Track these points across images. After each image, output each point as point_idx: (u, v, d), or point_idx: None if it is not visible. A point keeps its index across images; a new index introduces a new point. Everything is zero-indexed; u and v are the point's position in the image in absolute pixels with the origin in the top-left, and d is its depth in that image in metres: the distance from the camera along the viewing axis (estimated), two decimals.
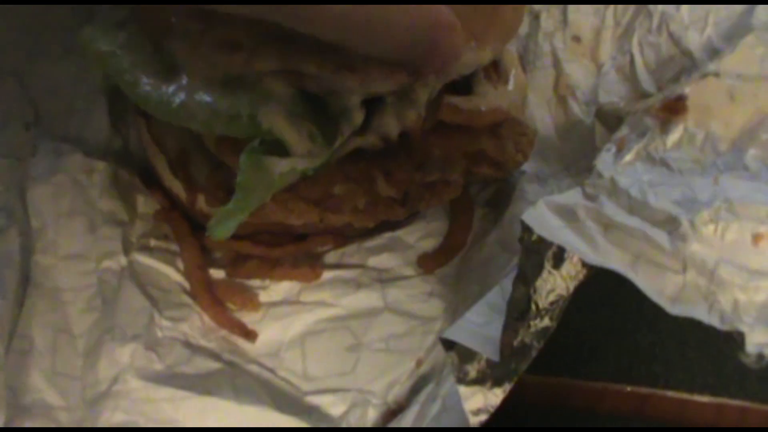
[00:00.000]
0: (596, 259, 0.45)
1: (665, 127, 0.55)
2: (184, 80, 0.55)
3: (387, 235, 0.66)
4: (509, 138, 0.60)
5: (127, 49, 0.58)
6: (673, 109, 0.55)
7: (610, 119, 0.64)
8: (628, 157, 0.56)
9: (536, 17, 0.72)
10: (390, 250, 0.65)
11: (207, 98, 0.54)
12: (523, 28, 0.72)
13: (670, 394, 0.64)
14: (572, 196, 0.51)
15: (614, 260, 0.46)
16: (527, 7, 0.73)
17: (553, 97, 0.69)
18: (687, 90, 0.56)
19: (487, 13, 0.54)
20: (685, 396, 0.64)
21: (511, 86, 0.64)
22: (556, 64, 0.69)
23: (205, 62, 0.53)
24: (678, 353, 0.66)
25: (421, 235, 0.66)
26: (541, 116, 0.68)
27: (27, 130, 0.67)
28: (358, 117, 0.56)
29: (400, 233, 0.66)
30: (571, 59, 0.69)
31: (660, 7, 0.65)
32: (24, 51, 0.68)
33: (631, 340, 0.66)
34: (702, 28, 0.63)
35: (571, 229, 0.48)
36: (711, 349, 0.65)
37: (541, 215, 0.48)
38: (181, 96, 0.55)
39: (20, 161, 0.65)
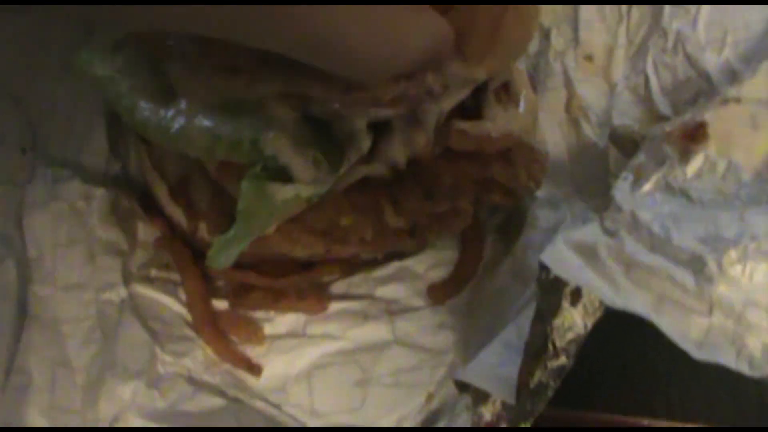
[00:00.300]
0: (618, 302, 0.44)
1: (685, 156, 0.54)
2: (183, 105, 0.53)
3: (395, 265, 0.64)
4: (521, 164, 0.58)
5: (125, 72, 0.56)
6: (693, 136, 0.53)
7: (625, 142, 0.62)
8: (647, 187, 0.54)
9: (546, 35, 0.70)
10: (398, 280, 0.63)
11: (207, 123, 0.52)
12: (533, 46, 0.70)
13: (690, 426, 0.62)
14: (591, 231, 0.49)
15: (637, 302, 0.44)
16: (538, 25, 0.70)
17: (564, 118, 0.66)
18: (707, 116, 0.54)
19: (488, 30, 0.51)
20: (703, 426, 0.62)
21: (521, 108, 0.62)
22: (568, 84, 0.67)
23: (204, 86, 0.51)
24: (695, 382, 0.64)
25: (431, 265, 0.64)
26: (553, 138, 0.66)
27: (24, 154, 0.65)
28: (365, 142, 0.54)
29: (408, 262, 0.64)
30: (583, 79, 0.67)
31: (675, 25, 0.63)
32: (21, 72, 0.66)
33: (648, 369, 0.64)
34: (719, 48, 0.61)
35: (592, 268, 0.46)
36: (730, 378, 0.62)
37: (560, 254, 0.47)
38: (180, 121, 0.52)
39: (17, 187, 0.63)
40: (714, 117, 0.54)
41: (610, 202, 0.53)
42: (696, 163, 0.53)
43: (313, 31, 0.37)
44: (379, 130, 0.56)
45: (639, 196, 0.53)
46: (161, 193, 0.63)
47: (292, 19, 0.36)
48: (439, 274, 0.65)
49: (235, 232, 0.53)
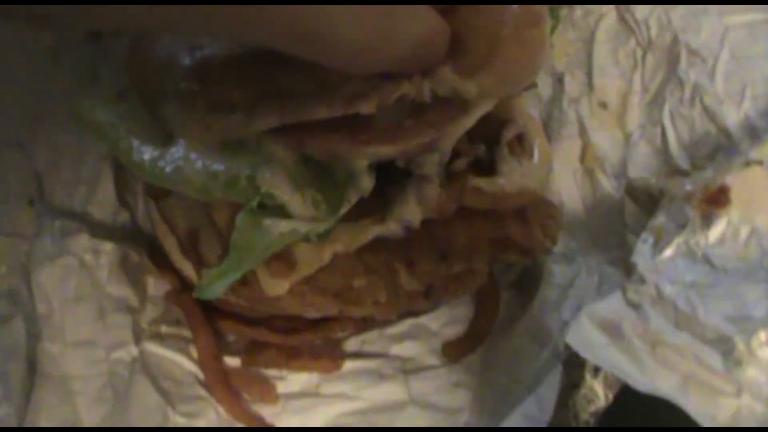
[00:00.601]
0: (644, 386, 0.43)
1: (707, 220, 0.53)
2: (180, 145, 0.52)
3: (409, 322, 0.64)
4: (536, 221, 0.58)
5: (126, 119, 0.55)
6: (716, 200, 0.53)
7: (641, 196, 0.62)
8: (668, 252, 0.53)
9: (560, 80, 0.69)
10: (413, 337, 0.63)
11: (203, 162, 0.51)
12: (547, 92, 0.69)
13: None
14: (614, 305, 0.49)
15: (663, 383, 0.44)
16: (549, 67, 0.69)
17: (579, 169, 0.66)
18: (729, 180, 0.53)
19: (484, 44, 0.49)
20: None
21: (536, 159, 0.61)
22: (583, 133, 0.66)
23: (200, 126, 0.50)
24: None
25: (445, 321, 0.63)
26: (568, 188, 0.65)
27: (31, 205, 0.63)
28: (367, 182, 0.53)
29: (423, 319, 0.64)
30: (597, 128, 0.67)
31: (692, 76, 0.63)
32: (26, 120, 0.65)
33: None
34: (738, 102, 0.60)
35: (617, 347, 0.46)
36: None
37: (584, 333, 0.46)
38: (177, 160, 0.52)
39: (24, 239, 0.62)
40: (736, 180, 0.53)
41: (631, 269, 0.52)
42: (718, 228, 0.53)
43: (302, 19, 0.36)
44: (393, 189, 0.56)
45: (660, 262, 0.52)
46: (171, 246, 0.62)
47: (280, 9, 0.35)
48: (453, 331, 0.64)
49: (227, 265, 0.52)
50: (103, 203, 0.67)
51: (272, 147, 0.50)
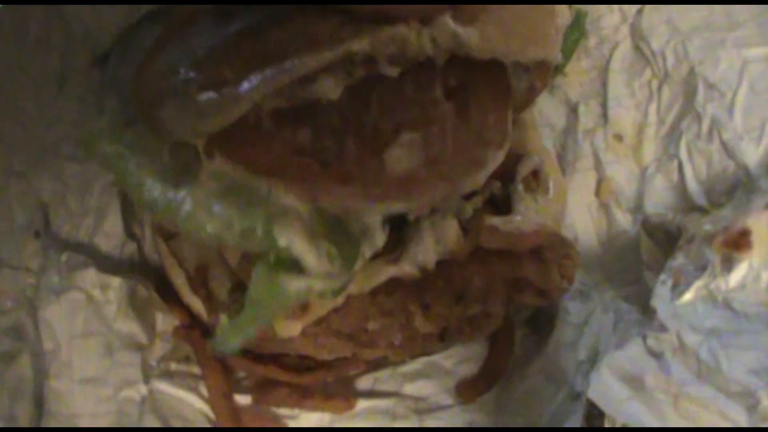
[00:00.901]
0: None
1: (727, 263, 0.52)
2: (195, 186, 0.51)
3: (423, 360, 0.63)
4: (553, 261, 0.57)
5: (134, 148, 0.54)
6: (736, 244, 0.52)
7: (658, 232, 0.62)
8: (688, 296, 0.52)
9: (574, 110, 0.68)
10: (426, 376, 0.62)
11: (218, 208, 0.50)
12: (561, 122, 0.68)
13: None
14: (635, 353, 0.49)
15: None
16: (564, 96, 0.68)
17: (594, 203, 0.65)
18: (749, 222, 0.52)
19: None
20: None
21: (551, 194, 0.60)
22: (598, 166, 0.66)
23: (193, 114, 0.48)
24: None
25: (459, 360, 0.63)
26: (583, 222, 0.65)
27: (37, 238, 0.62)
28: (380, 238, 0.52)
29: (436, 358, 0.63)
30: (613, 161, 0.66)
31: (709, 110, 0.62)
32: (31, 149, 0.64)
33: None
34: (757, 138, 0.60)
35: (639, 400, 0.46)
36: None
37: (606, 387, 0.46)
38: (189, 204, 0.50)
39: (30, 272, 0.62)
40: (757, 224, 0.52)
41: (651, 313, 0.51)
42: (739, 272, 0.52)
43: None
44: (408, 231, 0.55)
45: (680, 306, 0.52)
46: (179, 281, 0.62)
47: None
48: (467, 369, 0.63)
49: (243, 319, 0.51)
50: (110, 234, 0.66)
51: (286, 199, 0.49)
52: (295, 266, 0.49)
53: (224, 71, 0.46)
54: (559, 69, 0.64)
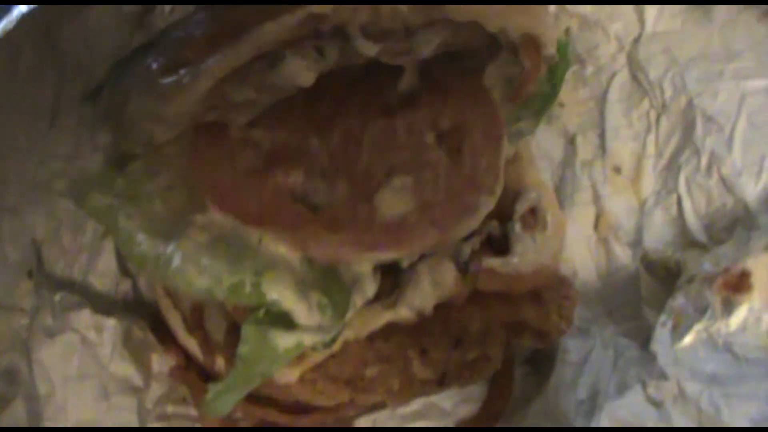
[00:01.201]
0: None
1: (728, 306, 0.52)
2: (184, 239, 0.51)
3: (422, 401, 0.62)
4: (552, 303, 0.56)
5: (124, 198, 0.54)
6: (736, 286, 0.51)
7: (657, 269, 0.61)
8: (688, 339, 0.52)
9: (572, 141, 0.68)
10: (425, 417, 0.62)
11: (207, 262, 0.50)
12: (558, 153, 0.68)
13: None
14: (635, 401, 0.48)
15: None
16: (561, 127, 0.68)
17: (593, 237, 0.65)
18: (749, 264, 0.52)
19: None
20: None
21: (549, 230, 0.59)
22: (596, 199, 0.66)
23: (156, 99, 0.49)
24: None
25: (458, 401, 0.63)
26: (581, 257, 0.64)
27: (30, 277, 0.61)
28: (371, 288, 0.53)
29: (435, 398, 0.62)
30: (611, 194, 0.66)
31: (708, 144, 0.61)
32: (24, 185, 0.63)
33: None
34: (757, 173, 0.59)
35: None
36: None
37: None
38: (179, 259, 0.50)
39: (23, 313, 0.60)
40: (757, 265, 0.52)
41: (652, 359, 0.51)
42: (739, 315, 0.52)
43: None
44: (404, 273, 0.55)
45: (680, 350, 0.52)
46: (175, 322, 0.61)
47: None
48: (467, 410, 0.63)
49: (233, 379, 0.51)
50: (105, 272, 0.65)
51: (276, 248, 0.48)
52: (285, 320, 0.49)
53: (186, 54, 0.47)
54: (554, 98, 0.63)
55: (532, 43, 0.52)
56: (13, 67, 0.57)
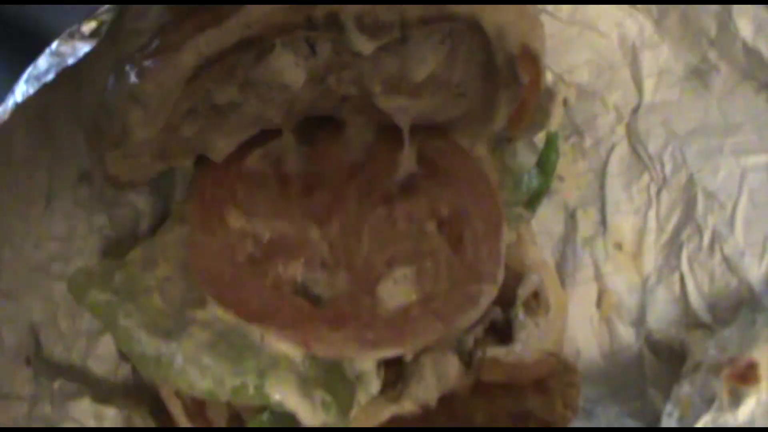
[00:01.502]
0: None
1: (735, 398, 0.52)
2: (185, 337, 0.51)
3: None
4: (557, 391, 0.56)
5: (123, 294, 0.54)
6: (744, 377, 0.51)
7: (661, 349, 0.60)
8: None
9: (572, 216, 0.67)
10: None
11: (209, 361, 0.50)
12: (558, 229, 0.67)
13: None
14: None
15: None
16: (561, 201, 0.67)
17: (596, 315, 0.64)
18: (756, 354, 0.51)
19: None
20: None
21: (552, 312, 0.59)
22: (598, 277, 0.65)
23: (128, 92, 0.48)
24: None
25: None
26: (584, 336, 0.64)
27: (28, 364, 0.60)
28: (375, 385, 0.53)
29: None
30: (613, 271, 0.66)
31: (710, 222, 0.61)
32: (20, 269, 0.62)
33: None
34: (760, 254, 0.59)
35: None
36: None
37: None
38: (181, 359, 0.51)
39: (22, 401, 0.60)
40: (764, 355, 0.51)
41: None
42: (748, 406, 0.51)
43: None
44: (407, 365, 0.54)
45: None
46: (176, 410, 0.61)
47: None
48: None
49: None
50: (104, 357, 0.64)
51: (278, 346, 0.49)
52: (289, 420, 0.49)
53: (171, 36, 0.46)
54: (546, 189, 0.62)
55: (529, 56, 0.51)
56: (7, 153, 0.57)
